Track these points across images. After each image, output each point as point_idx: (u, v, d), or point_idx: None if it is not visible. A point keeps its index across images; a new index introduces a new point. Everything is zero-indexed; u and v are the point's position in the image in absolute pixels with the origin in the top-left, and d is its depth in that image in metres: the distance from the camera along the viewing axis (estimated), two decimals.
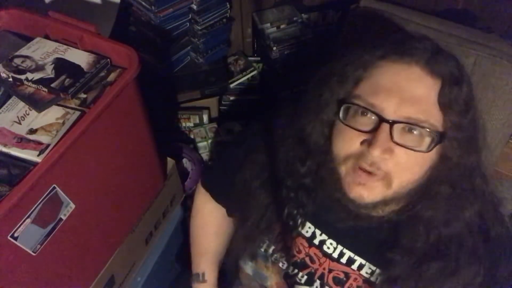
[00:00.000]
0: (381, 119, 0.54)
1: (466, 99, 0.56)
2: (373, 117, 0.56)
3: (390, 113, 0.55)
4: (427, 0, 1.07)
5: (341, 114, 0.58)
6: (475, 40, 0.78)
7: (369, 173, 0.56)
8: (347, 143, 0.58)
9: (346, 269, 0.67)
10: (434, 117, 0.55)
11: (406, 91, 0.54)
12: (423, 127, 0.54)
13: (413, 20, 0.82)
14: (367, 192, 0.57)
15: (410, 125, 0.54)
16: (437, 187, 0.58)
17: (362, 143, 0.56)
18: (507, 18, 1.02)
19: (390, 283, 0.62)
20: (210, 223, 0.88)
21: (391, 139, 0.54)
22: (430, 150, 0.55)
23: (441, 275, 0.59)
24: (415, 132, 0.55)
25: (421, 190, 0.59)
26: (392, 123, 0.54)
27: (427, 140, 0.55)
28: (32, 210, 0.61)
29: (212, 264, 0.85)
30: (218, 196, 0.85)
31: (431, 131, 0.55)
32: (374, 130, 0.55)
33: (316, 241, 0.69)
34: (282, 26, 1.42)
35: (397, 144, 0.54)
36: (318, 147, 0.63)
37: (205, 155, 1.47)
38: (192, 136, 1.48)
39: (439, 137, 0.55)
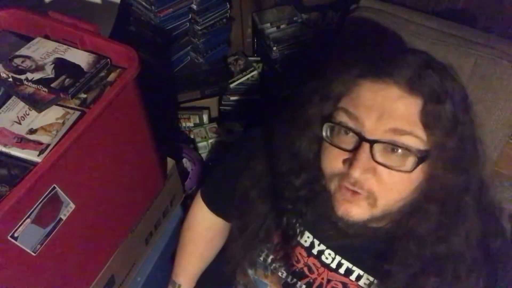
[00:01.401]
0: (361, 139, 0.53)
1: (451, 118, 0.54)
2: (355, 137, 0.54)
3: (370, 130, 0.53)
4: (427, 0, 1.07)
5: (324, 133, 0.58)
6: (475, 40, 0.78)
7: (354, 192, 0.55)
8: (331, 162, 0.57)
9: (344, 279, 0.67)
10: (419, 131, 0.53)
11: (385, 108, 0.53)
12: (405, 148, 0.53)
13: (413, 20, 0.82)
14: (354, 209, 0.56)
15: (392, 145, 0.53)
16: (426, 205, 0.57)
17: (344, 162, 0.55)
18: (507, 18, 1.02)
19: None
20: (200, 241, 0.89)
21: (372, 158, 0.53)
22: (412, 170, 0.53)
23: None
24: (398, 151, 0.53)
25: (413, 207, 0.58)
26: (372, 142, 0.52)
27: (411, 159, 0.53)
28: (32, 210, 0.61)
29: (190, 280, 0.88)
30: (216, 209, 0.85)
31: (414, 150, 0.53)
32: (355, 149, 0.54)
33: (314, 251, 0.68)
34: (282, 26, 1.42)
35: (379, 163, 0.53)
36: (309, 162, 0.63)
37: (205, 155, 1.47)
38: (192, 136, 1.49)
39: (422, 157, 0.53)
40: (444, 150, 0.54)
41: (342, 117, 0.56)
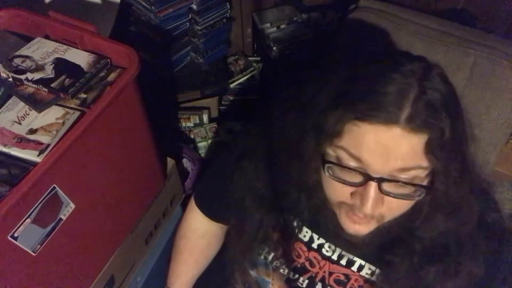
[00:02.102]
0: (368, 177, 0.52)
1: (452, 139, 0.52)
2: (360, 174, 0.53)
3: (376, 169, 0.52)
4: (427, 0, 1.07)
5: (326, 172, 0.55)
6: (475, 40, 0.78)
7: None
8: (337, 194, 0.57)
9: (346, 271, 0.67)
10: (424, 162, 0.52)
11: (390, 150, 0.51)
12: (411, 180, 0.52)
13: (413, 20, 0.82)
14: (363, 228, 0.57)
15: (398, 182, 0.52)
16: (429, 212, 0.58)
17: (352, 194, 0.55)
18: (507, 18, 1.02)
19: (391, 284, 0.62)
20: (195, 249, 0.88)
21: (380, 192, 0.53)
22: (419, 198, 0.54)
23: (442, 277, 0.59)
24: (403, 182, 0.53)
25: (415, 209, 0.58)
26: (380, 181, 0.52)
27: (416, 187, 0.53)
28: (32, 210, 0.61)
29: (185, 287, 0.88)
30: (211, 214, 0.85)
31: (420, 185, 0.53)
32: (363, 184, 0.53)
33: (314, 245, 0.69)
34: (282, 26, 1.42)
35: (387, 194, 0.53)
36: (307, 185, 0.62)
37: (205, 155, 1.47)
38: (192, 136, 1.49)
39: (428, 187, 0.53)
40: (447, 172, 0.53)
41: (343, 155, 0.54)
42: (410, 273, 0.60)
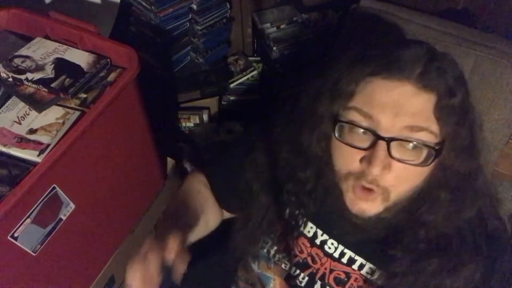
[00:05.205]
0: (378, 137, 0.54)
1: (463, 107, 0.55)
2: (370, 135, 0.55)
3: (386, 127, 0.54)
4: (427, 0, 1.07)
5: (336, 133, 0.57)
6: (475, 40, 0.78)
7: (369, 190, 0.56)
8: (347, 160, 0.57)
9: (347, 269, 0.67)
10: (433, 126, 0.54)
11: (401, 106, 0.53)
12: (420, 142, 0.53)
13: (413, 20, 0.82)
14: (368, 206, 0.57)
15: (407, 142, 0.54)
16: (436, 192, 0.58)
17: (361, 160, 0.56)
18: (507, 18, 1.02)
19: (390, 279, 0.62)
20: (207, 202, 0.77)
21: (389, 155, 0.53)
22: (429, 164, 0.55)
23: (442, 271, 0.59)
24: (413, 146, 0.54)
25: (422, 194, 0.59)
26: (389, 140, 0.53)
27: (425, 152, 0.54)
28: (32, 210, 0.61)
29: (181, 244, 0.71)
30: (220, 202, 0.81)
31: (431, 146, 0.54)
32: (372, 147, 0.54)
33: (317, 241, 0.69)
34: (282, 26, 1.42)
35: (396, 159, 0.54)
36: (317, 158, 0.63)
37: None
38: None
39: (439, 150, 0.54)
40: (457, 139, 0.55)
41: (355, 116, 0.56)
42: (410, 268, 0.60)
